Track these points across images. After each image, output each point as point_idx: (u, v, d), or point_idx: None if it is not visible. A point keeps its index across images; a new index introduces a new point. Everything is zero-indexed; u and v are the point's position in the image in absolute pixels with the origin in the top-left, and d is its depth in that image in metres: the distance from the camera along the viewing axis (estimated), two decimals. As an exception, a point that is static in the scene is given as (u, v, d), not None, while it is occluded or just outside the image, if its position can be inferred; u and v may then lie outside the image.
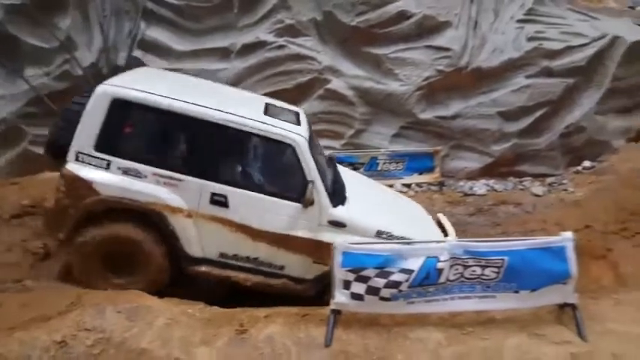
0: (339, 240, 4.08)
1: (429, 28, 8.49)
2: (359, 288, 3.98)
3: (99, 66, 8.40)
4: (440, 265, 3.91)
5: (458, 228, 5.87)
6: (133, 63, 8.18)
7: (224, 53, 8.69)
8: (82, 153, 4.64)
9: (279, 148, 4.87)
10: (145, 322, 4.12)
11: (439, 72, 8.52)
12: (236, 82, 8.56)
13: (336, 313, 4.09)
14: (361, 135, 8.95)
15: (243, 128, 4.77)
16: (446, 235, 5.45)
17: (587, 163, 8.87)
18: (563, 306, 4.10)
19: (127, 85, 4.77)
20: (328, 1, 8.48)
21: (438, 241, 4.06)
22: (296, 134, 4.90)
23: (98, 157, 4.64)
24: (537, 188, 8.46)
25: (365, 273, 3.95)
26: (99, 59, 8.43)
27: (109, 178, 4.61)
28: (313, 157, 4.95)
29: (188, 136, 4.85)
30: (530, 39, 8.58)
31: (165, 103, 4.67)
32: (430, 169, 8.62)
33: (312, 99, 8.76)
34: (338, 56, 8.81)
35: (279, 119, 5.06)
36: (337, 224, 4.84)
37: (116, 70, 7.28)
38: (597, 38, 8.68)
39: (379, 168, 8.59)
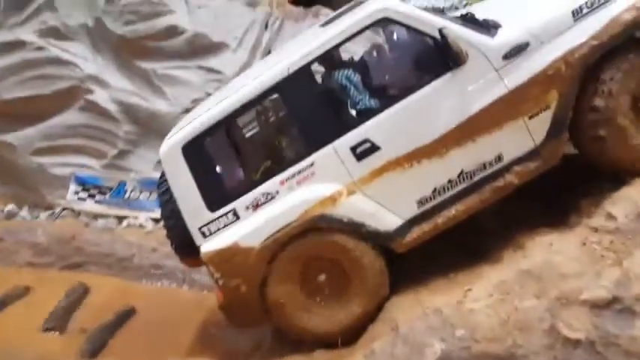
0: None
1: (201, 47, 7.78)
2: None
3: None
4: None
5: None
6: None
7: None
8: (203, 226, 3.73)
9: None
10: None
11: (209, 95, 7.72)
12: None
13: None
14: (127, 157, 7.98)
15: (324, 49, 3.57)
16: None
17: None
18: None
19: (179, 128, 3.94)
20: (98, 6, 7.79)
21: None
22: (376, 3, 3.56)
23: (221, 215, 3.71)
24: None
25: None
26: None
27: (248, 226, 3.67)
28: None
29: (274, 119, 4.02)
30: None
31: (223, 108, 3.71)
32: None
33: (72, 109, 7.89)
34: (110, 66, 7.98)
35: (342, 16, 3.84)
36: (518, 50, 3.42)
37: None
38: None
39: (126, 196, 7.59)
